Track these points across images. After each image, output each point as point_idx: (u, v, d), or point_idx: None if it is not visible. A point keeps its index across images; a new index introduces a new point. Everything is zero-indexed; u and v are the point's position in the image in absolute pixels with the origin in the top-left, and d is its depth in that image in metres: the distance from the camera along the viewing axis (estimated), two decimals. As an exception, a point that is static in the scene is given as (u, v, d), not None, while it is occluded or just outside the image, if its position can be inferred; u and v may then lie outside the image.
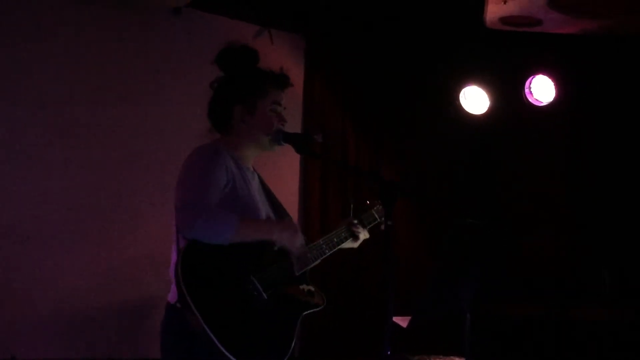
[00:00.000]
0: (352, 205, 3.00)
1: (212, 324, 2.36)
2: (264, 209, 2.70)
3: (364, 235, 2.98)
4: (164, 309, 2.62)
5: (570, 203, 5.51)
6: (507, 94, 5.37)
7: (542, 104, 5.26)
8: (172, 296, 2.58)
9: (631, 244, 5.09)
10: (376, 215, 3.01)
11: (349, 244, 2.96)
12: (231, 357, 2.37)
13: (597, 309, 4.73)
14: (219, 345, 2.35)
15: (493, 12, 4.63)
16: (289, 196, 5.12)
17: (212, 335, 2.35)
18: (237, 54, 2.75)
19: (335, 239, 2.86)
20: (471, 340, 2.86)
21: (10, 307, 4.12)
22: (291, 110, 5.08)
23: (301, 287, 2.71)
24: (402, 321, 2.89)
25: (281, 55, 5.05)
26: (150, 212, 4.48)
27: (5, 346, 4.09)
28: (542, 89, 5.23)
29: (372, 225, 3.01)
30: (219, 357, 2.37)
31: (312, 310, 2.70)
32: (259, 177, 2.84)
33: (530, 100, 5.26)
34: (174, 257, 2.61)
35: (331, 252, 2.86)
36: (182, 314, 2.43)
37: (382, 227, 2.93)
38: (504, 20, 4.76)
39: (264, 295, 2.52)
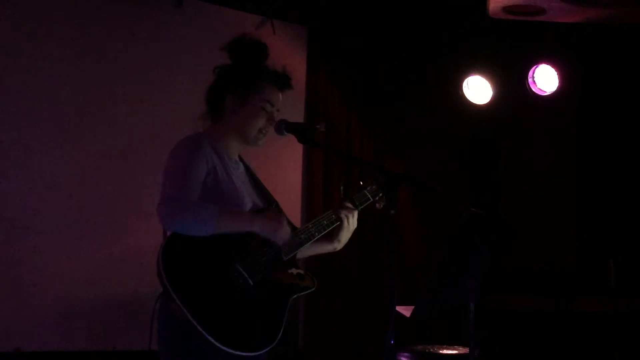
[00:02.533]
0: (342, 187, 2.93)
1: (197, 316, 2.36)
2: (249, 198, 2.69)
3: (350, 217, 2.82)
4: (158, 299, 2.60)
5: (575, 193, 5.50)
6: (511, 83, 5.36)
7: (545, 94, 5.24)
8: None
9: (637, 233, 5.08)
10: (369, 195, 2.90)
11: (346, 233, 2.84)
12: (220, 346, 2.37)
13: (602, 299, 4.71)
14: (207, 335, 2.36)
15: (496, 1, 4.61)
16: (292, 188, 5.12)
17: (199, 327, 2.35)
18: (247, 46, 2.74)
19: (325, 222, 2.81)
20: (475, 331, 2.85)
21: (14, 300, 4.13)
22: (294, 102, 5.16)
23: (290, 271, 2.70)
24: (406, 311, 2.89)
25: (284, 46, 5.03)
26: (152, 203, 4.47)
27: (10, 338, 4.10)
28: (545, 79, 5.21)
29: (364, 205, 2.91)
30: (210, 346, 2.37)
31: (302, 293, 2.69)
32: (245, 166, 2.83)
33: (533, 89, 5.24)
34: None
35: (321, 234, 2.80)
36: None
37: (377, 205, 2.89)
38: (507, 9, 4.74)
39: (250, 281, 2.52)
